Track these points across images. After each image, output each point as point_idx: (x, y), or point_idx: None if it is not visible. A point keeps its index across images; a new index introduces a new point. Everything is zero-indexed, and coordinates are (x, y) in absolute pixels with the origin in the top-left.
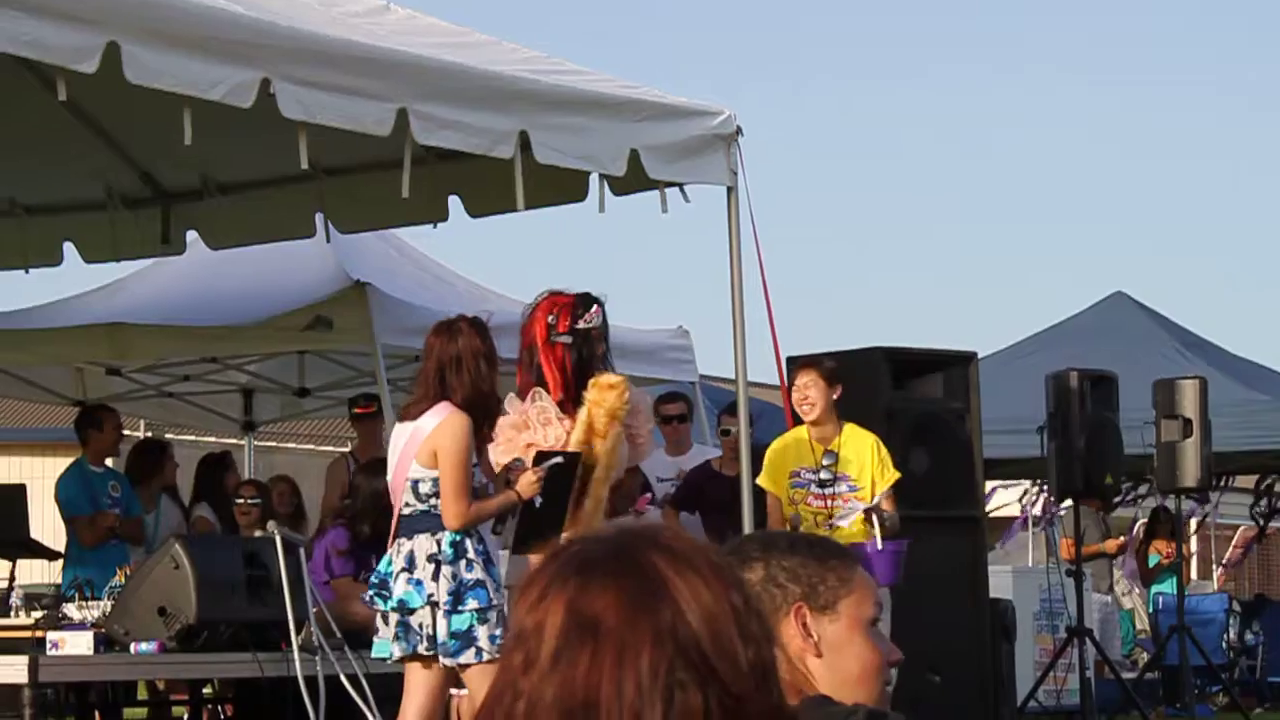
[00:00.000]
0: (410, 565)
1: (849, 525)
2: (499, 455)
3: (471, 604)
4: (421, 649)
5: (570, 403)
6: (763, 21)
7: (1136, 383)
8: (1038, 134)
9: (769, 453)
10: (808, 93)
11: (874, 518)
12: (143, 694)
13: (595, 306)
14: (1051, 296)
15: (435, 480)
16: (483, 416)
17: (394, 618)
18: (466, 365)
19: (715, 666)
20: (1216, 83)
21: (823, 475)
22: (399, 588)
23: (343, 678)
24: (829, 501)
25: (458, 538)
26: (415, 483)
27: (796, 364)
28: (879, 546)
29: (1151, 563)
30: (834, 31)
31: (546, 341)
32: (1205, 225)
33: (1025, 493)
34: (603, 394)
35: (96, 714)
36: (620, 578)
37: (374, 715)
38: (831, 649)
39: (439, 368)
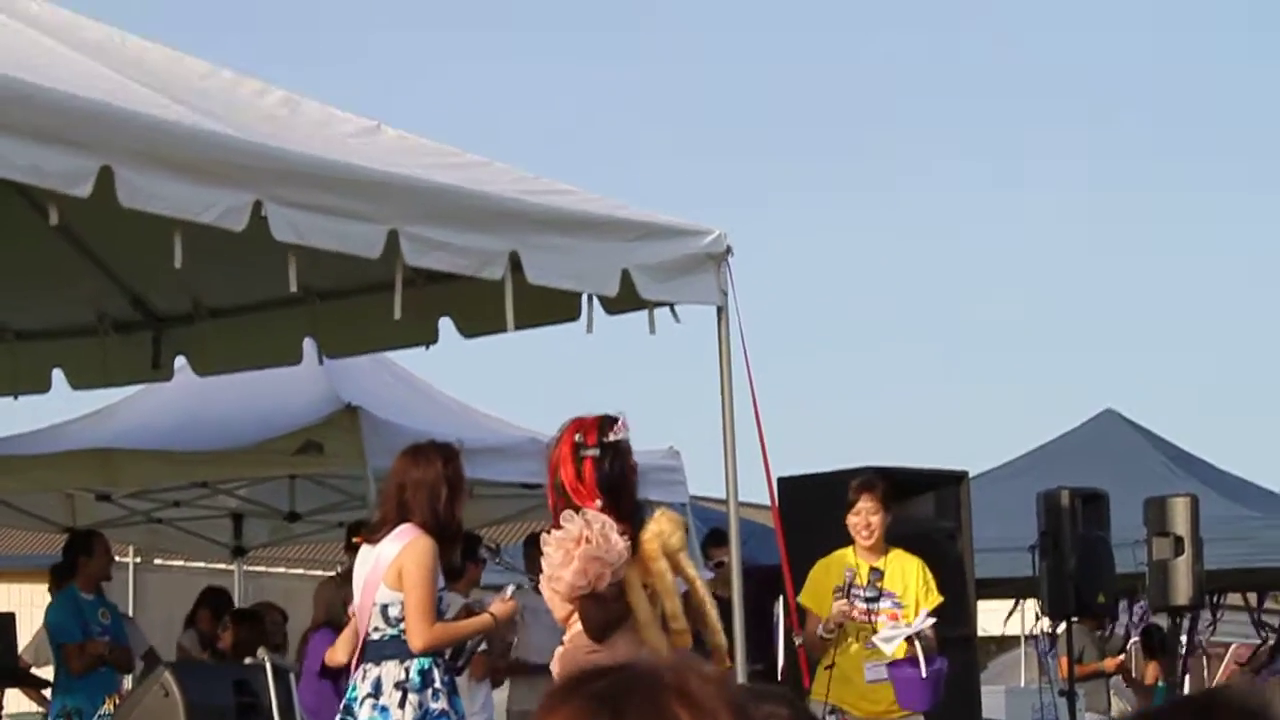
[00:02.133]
0: (376, 691)
1: (891, 650)
2: (571, 576)
3: None
4: None
5: (611, 513)
6: (748, 141)
7: (1127, 500)
8: (1028, 251)
9: (813, 572)
10: (794, 211)
11: (917, 643)
12: None
13: (620, 422)
14: (1042, 415)
15: (405, 604)
16: (444, 541)
17: None
18: (428, 490)
19: None
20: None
21: (868, 593)
22: (364, 713)
23: None
24: (873, 617)
25: (426, 666)
26: (384, 607)
27: (853, 485)
28: (923, 674)
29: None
30: (818, 145)
31: (574, 458)
32: (1194, 342)
33: (1015, 608)
34: (669, 526)
35: None
36: None
37: None
38: None
39: (399, 490)
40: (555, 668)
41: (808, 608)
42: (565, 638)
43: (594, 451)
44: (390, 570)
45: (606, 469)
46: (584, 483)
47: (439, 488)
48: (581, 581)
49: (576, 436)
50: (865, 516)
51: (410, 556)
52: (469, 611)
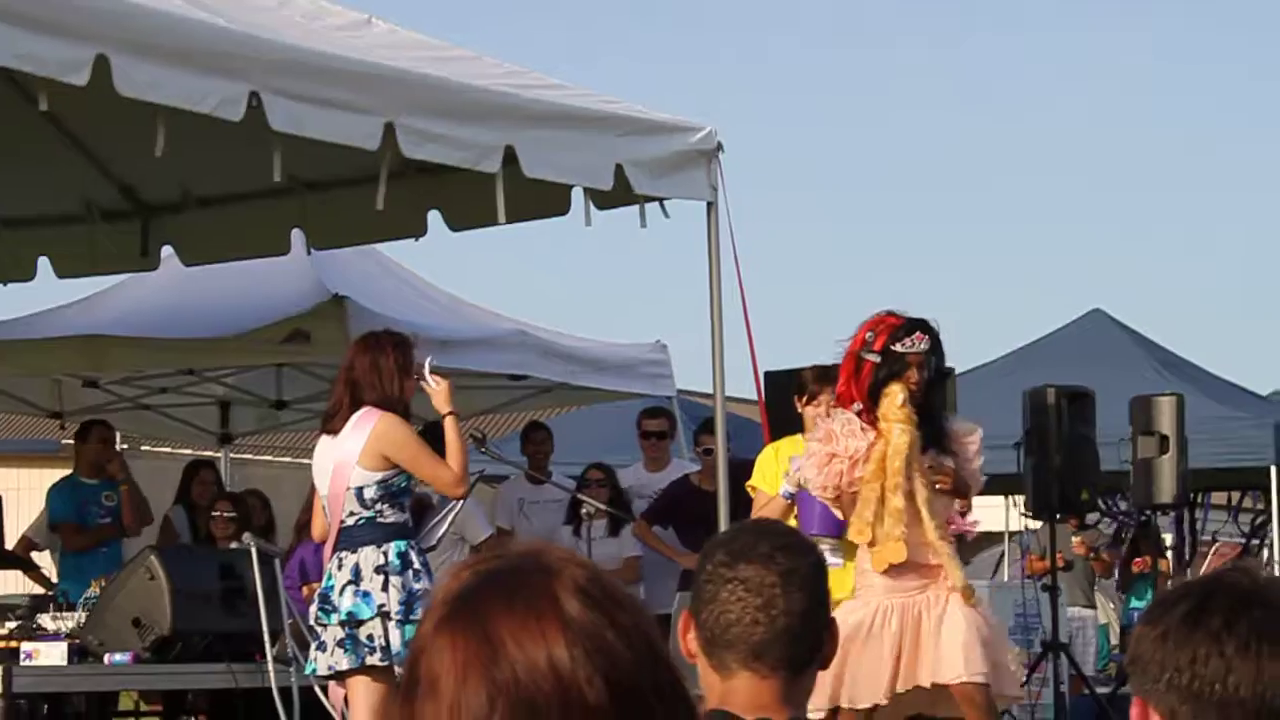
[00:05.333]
0: (356, 578)
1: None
2: (809, 472)
3: (421, 613)
4: (374, 660)
5: (868, 417)
6: (742, 38)
7: (1114, 400)
8: (1019, 151)
9: (762, 458)
10: (787, 107)
11: None
12: (126, 705)
13: (919, 334)
14: (1030, 314)
15: (381, 484)
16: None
17: (339, 631)
18: (377, 372)
19: (554, 717)
20: (1204, 102)
21: None
22: (346, 601)
23: (317, 688)
24: None
25: (403, 548)
26: (359, 490)
27: (811, 377)
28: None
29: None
30: (811, 41)
31: (856, 355)
32: (1185, 245)
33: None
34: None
35: None
36: (467, 629)
37: None
38: None
39: (348, 372)
40: None
41: (756, 488)
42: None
43: (875, 357)
44: (365, 453)
45: (881, 378)
46: (856, 384)
47: (388, 370)
48: (825, 481)
49: (868, 335)
50: (825, 408)
51: (388, 432)
52: (419, 501)
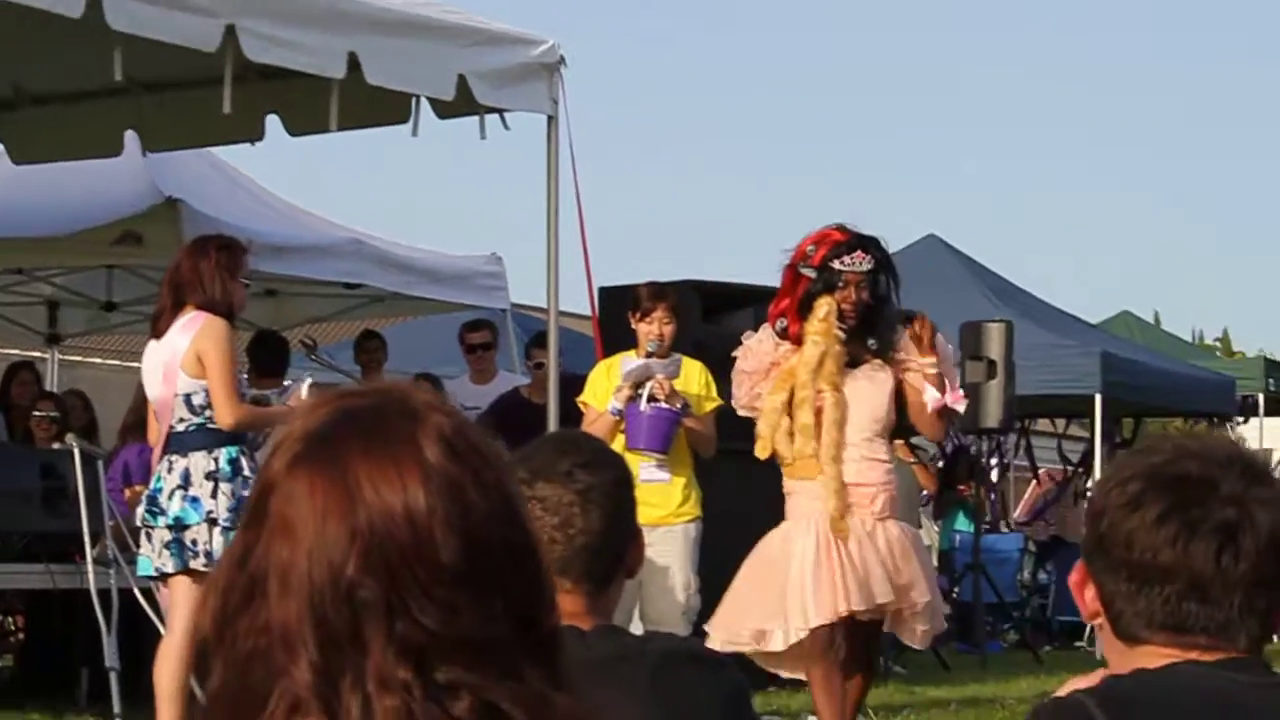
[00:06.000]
0: (186, 482)
1: (623, 395)
2: (737, 391)
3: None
4: (197, 565)
5: (795, 330)
6: None
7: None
8: (858, 75)
9: (593, 373)
10: (633, 25)
11: (648, 386)
12: None
13: (860, 252)
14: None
15: (208, 390)
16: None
17: (165, 534)
18: (200, 274)
19: (407, 567)
20: (1042, 35)
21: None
22: (174, 505)
23: (136, 591)
24: None
25: (234, 455)
26: (188, 396)
27: (647, 294)
28: (641, 409)
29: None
30: None
31: (794, 268)
32: (1023, 175)
33: None
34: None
35: None
36: (325, 467)
37: (165, 628)
38: None
39: (173, 274)
40: None
41: (587, 404)
42: None
43: (811, 272)
44: (188, 357)
45: (814, 293)
46: (790, 298)
47: (210, 272)
48: (742, 399)
49: (809, 249)
50: (659, 325)
51: (208, 337)
52: (255, 403)
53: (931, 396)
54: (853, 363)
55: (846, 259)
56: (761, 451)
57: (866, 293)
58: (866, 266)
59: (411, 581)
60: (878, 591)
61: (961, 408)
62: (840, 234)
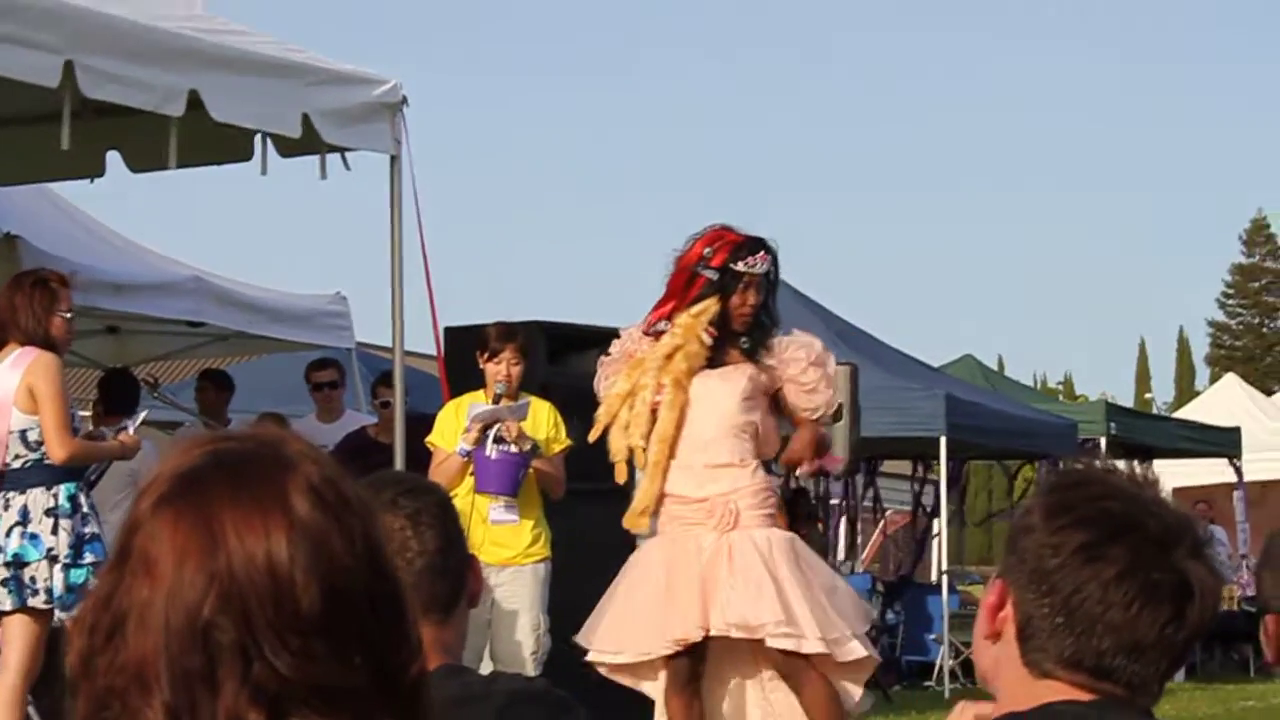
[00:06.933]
0: (24, 519)
1: (469, 441)
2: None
3: (89, 557)
4: (36, 602)
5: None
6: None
7: None
8: (702, 111)
9: (442, 414)
10: (477, 61)
11: (498, 432)
12: None
13: (762, 253)
14: None
15: (40, 421)
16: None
17: (1, 571)
18: (18, 313)
19: (264, 613)
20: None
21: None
22: (13, 542)
23: None
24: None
25: (74, 491)
26: (23, 432)
27: (495, 334)
28: (487, 454)
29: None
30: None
31: (691, 269)
32: (862, 213)
33: None
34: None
35: None
36: (187, 511)
37: None
38: None
39: None
40: None
41: (435, 445)
42: None
43: (712, 274)
44: (20, 393)
45: (708, 294)
46: (681, 299)
47: (25, 307)
48: (600, 388)
49: (705, 250)
50: (506, 366)
51: (38, 373)
52: (89, 437)
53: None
54: (716, 363)
55: (750, 260)
56: (592, 435)
57: (763, 293)
58: (765, 268)
59: (267, 627)
60: (687, 623)
61: (837, 470)
62: (734, 235)
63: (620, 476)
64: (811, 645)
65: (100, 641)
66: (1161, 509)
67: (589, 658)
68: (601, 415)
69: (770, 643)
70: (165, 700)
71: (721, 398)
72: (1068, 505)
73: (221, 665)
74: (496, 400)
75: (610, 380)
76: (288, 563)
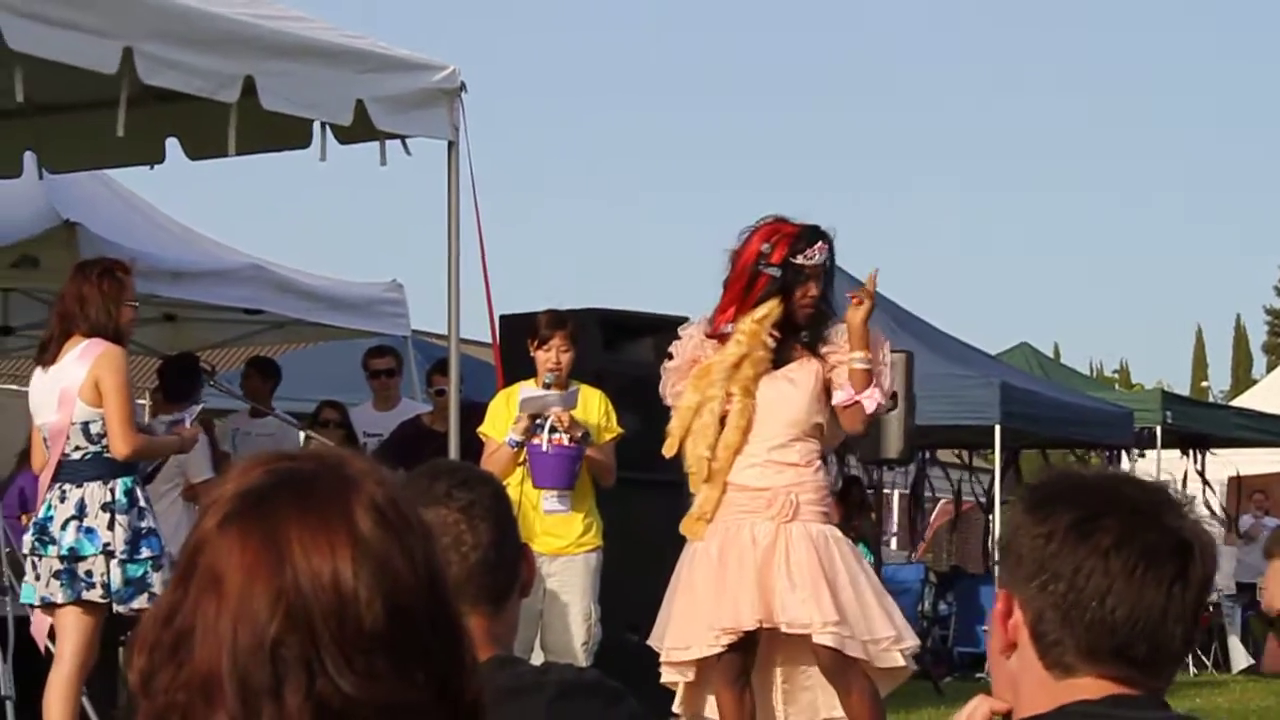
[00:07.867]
0: (81, 513)
1: (517, 435)
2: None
3: (146, 552)
4: (92, 596)
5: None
6: None
7: None
8: (761, 97)
9: (493, 403)
10: (538, 51)
11: (549, 424)
12: None
13: (820, 243)
14: None
15: (104, 419)
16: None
17: (55, 564)
18: (85, 304)
19: (329, 630)
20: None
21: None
22: (69, 536)
23: (32, 618)
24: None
25: (130, 485)
26: (85, 424)
27: (544, 322)
28: (544, 449)
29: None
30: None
31: (752, 268)
32: (923, 204)
33: None
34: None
35: None
36: (255, 528)
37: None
38: None
39: (60, 309)
40: None
41: (487, 435)
42: None
43: (774, 271)
44: (86, 385)
45: (773, 292)
46: (745, 300)
47: (94, 298)
48: (667, 394)
49: (764, 247)
50: (556, 354)
51: (105, 367)
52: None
53: (841, 396)
54: (780, 362)
55: (810, 252)
56: (667, 450)
57: (824, 284)
58: (824, 258)
59: (332, 643)
60: (744, 614)
61: (871, 407)
62: (790, 226)
63: (695, 487)
64: (855, 648)
65: (162, 658)
66: (1137, 481)
67: (663, 660)
68: (675, 429)
69: (817, 639)
70: (231, 715)
71: (793, 398)
72: (1048, 495)
73: (287, 681)
74: (547, 388)
75: (677, 389)
76: (353, 580)
